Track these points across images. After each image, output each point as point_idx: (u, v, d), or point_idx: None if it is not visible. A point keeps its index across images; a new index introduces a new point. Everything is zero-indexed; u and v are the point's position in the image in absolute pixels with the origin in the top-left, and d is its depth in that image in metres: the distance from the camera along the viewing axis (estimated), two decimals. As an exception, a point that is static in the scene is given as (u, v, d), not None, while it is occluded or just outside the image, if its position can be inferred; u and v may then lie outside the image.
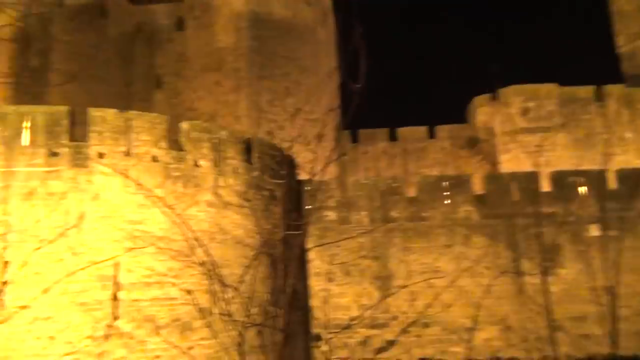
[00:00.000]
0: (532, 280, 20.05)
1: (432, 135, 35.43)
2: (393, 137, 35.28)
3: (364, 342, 20.23)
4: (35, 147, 14.23)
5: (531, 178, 21.39)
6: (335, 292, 20.25)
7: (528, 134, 31.65)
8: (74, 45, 28.91)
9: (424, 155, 34.54)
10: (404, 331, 19.37)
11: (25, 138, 14.21)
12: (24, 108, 14.88)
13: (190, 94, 31.27)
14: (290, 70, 31.04)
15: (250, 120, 28.13)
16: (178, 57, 32.23)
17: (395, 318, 20.24)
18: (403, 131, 35.31)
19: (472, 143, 34.49)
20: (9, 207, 13.76)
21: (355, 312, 19.98)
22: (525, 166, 27.55)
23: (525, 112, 32.14)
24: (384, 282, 20.62)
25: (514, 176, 22.17)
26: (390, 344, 20.63)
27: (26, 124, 14.29)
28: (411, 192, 22.33)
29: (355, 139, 35.13)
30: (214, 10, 31.26)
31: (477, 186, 22.13)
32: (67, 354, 13.46)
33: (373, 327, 20.30)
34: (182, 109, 31.14)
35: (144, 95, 31.74)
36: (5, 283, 13.19)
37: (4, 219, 13.51)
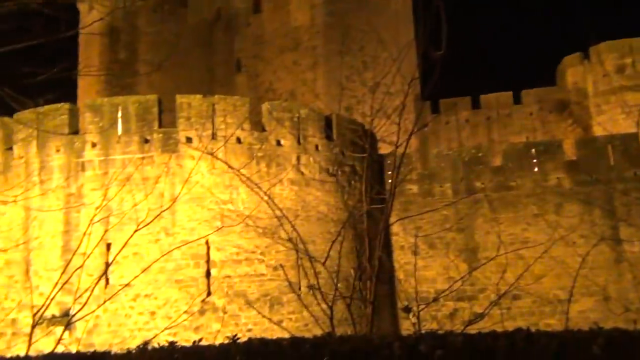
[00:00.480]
0: (632, 248, 18.89)
1: (517, 100, 33.78)
2: (476, 105, 34.01)
3: (452, 315, 20.02)
4: (129, 135, 15.13)
5: (630, 139, 19.98)
6: (420, 265, 20.11)
7: (626, 92, 29.50)
8: (157, 35, 30.16)
9: (510, 122, 33.10)
10: (494, 303, 18.95)
11: (120, 127, 15.14)
12: (117, 99, 15.81)
13: (269, 75, 31.76)
14: (367, 43, 30.64)
15: (329, 97, 28.20)
16: (256, 40, 32.77)
17: (483, 290, 19.82)
18: (486, 98, 33.92)
19: (562, 106, 32.63)
20: (108, 192, 14.78)
21: (440, 285, 19.76)
22: (622, 128, 25.77)
23: (621, 69, 29.91)
24: (471, 255, 20.21)
25: (610, 138, 20.77)
26: (479, 316, 20.25)
27: (119, 114, 15.21)
28: (497, 161, 21.55)
29: (436, 110, 34.28)
30: (289, -11, 31.41)
31: (569, 151, 21.01)
32: (167, 328, 14.38)
33: (460, 299, 20.02)
34: (262, 90, 31.77)
35: (225, 79, 32.63)
36: (109, 263, 14.24)
37: (104, 204, 14.52)
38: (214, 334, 14.44)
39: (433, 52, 5.04)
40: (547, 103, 33.16)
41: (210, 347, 3.21)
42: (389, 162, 18.96)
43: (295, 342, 2.86)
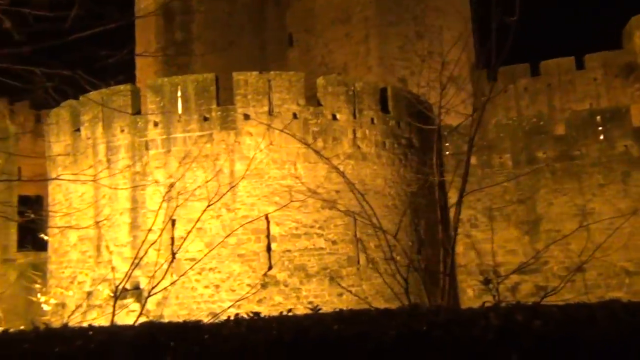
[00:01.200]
0: None
1: (580, 65, 32.25)
2: (535, 72, 32.74)
3: (514, 288, 19.70)
4: (189, 114, 15.49)
5: None
6: (480, 238, 19.81)
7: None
8: (210, 14, 30.46)
9: (572, 89, 31.73)
10: (556, 276, 18.51)
11: (180, 106, 15.51)
12: (176, 79, 16.16)
13: (322, 49, 31.58)
14: (419, 12, 29.92)
15: (382, 68, 27.82)
16: (307, 14, 32.57)
17: (546, 263, 19.38)
18: (546, 64, 32.54)
19: (629, 70, 30.96)
20: (171, 170, 15.26)
21: (501, 258, 19.43)
22: (696, 91, 24.26)
23: (694, 28, 28.06)
24: (532, 227, 19.74)
25: (681, 103, 19.64)
26: (542, 289, 19.86)
27: (179, 94, 15.56)
28: (559, 129, 20.79)
29: (493, 78, 33.17)
30: (340, -40, 30.91)
31: (637, 118, 20.02)
32: (231, 300, 14.84)
33: (522, 272, 19.66)
34: (314, 64, 31.65)
35: (278, 55, 32.69)
36: (174, 238, 14.77)
37: (167, 181, 15.01)
38: (277, 306, 14.80)
39: (505, 18, 4.88)
40: (612, 67, 31.54)
41: (307, 317, 3.30)
42: (445, 133, 18.62)
43: (387, 313, 2.90)
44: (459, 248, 19.75)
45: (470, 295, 20.27)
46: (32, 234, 19.16)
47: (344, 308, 4.17)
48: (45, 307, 14.73)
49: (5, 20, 5.53)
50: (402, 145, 17.76)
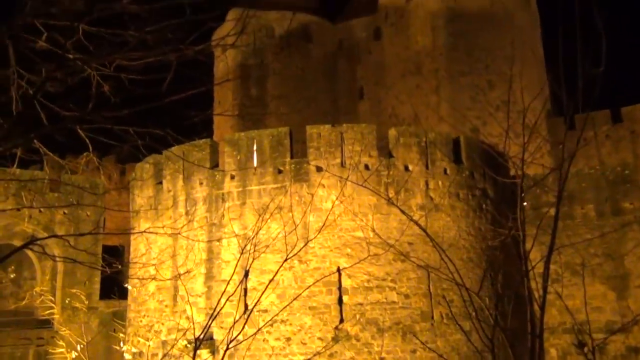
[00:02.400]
0: None
1: (665, 111, 30.66)
2: (616, 118, 31.38)
3: (601, 349, 18.35)
4: (264, 167, 15.93)
5: None
6: (562, 294, 18.71)
7: None
8: (284, 70, 31.65)
9: (658, 136, 30.12)
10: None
11: (255, 159, 16.00)
12: (252, 133, 16.74)
13: (392, 100, 31.89)
14: (491, 62, 29.76)
15: (453, 119, 27.63)
16: (377, 66, 33.19)
17: (637, 322, 17.98)
18: (628, 110, 31.14)
19: None
20: (246, 221, 15.62)
21: (584, 316, 18.24)
22: None
23: None
24: (620, 282, 18.49)
25: None
26: (633, 351, 18.38)
27: (255, 147, 16.09)
28: (646, 179, 19.65)
29: (570, 126, 32.05)
30: (409, 14, 31.49)
31: None
32: (302, 354, 14.68)
33: (609, 331, 18.33)
34: (384, 116, 31.96)
35: (349, 107, 33.32)
36: (247, 289, 14.93)
37: (242, 232, 15.34)
38: (348, 361, 14.50)
39: (591, 68, 4.76)
40: (701, 112, 29.77)
41: None
42: (522, 184, 17.99)
43: None
44: (534, 305, 18.74)
45: (554, 355, 19.06)
46: (114, 283, 20.00)
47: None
48: (126, 356, 15.13)
49: (104, 84, 5.98)
50: (476, 197, 17.35)
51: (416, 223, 7.51)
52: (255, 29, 30.76)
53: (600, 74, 4.83)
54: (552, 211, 19.98)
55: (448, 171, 16.73)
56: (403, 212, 7.52)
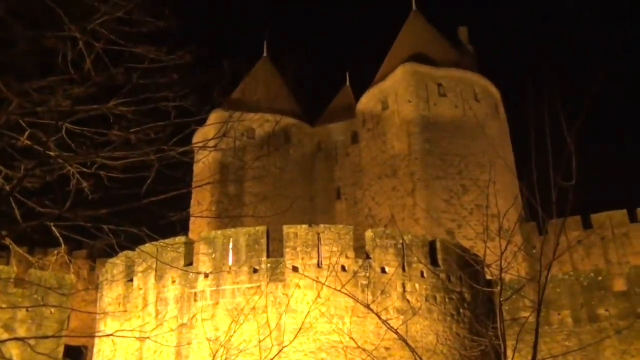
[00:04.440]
0: None
1: (633, 218, 31.58)
2: (587, 224, 32.12)
3: None
4: (239, 266, 15.69)
5: None
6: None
7: None
8: (263, 169, 32.18)
9: (628, 242, 30.73)
10: None
11: (230, 258, 15.79)
12: (229, 231, 16.66)
13: (368, 201, 32.36)
14: (464, 167, 30.77)
15: (429, 221, 28.00)
16: (354, 168, 34.00)
17: None
18: (598, 217, 31.98)
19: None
20: (218, 322, 15.10)
21: None
22: None
23: None
24: (601, 392, 18.02)
25: None
26: None
27: (231, 245, 15.94)
28: (618, 285, 19.80)
29: (542, 231, 32.67)
30: (385, 121, 32.81)
31: None
32: None
33: None
34: (361, 216, 32.25)
35: (326, 206, 33.66)
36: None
37: (214, 335, 14.78)
38: None
39: (563, 181, 4.96)
40: (669, 220, 30.71)
41: None
42: (497, 288, 17.97)
43: None
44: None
45: None
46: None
47: None
48: None
49: (83, 182, 5.98)
50: (453, 300, 17.20)
51: (394, 331, 7.39)
52: (237, 130, 31.61)
53: (571, 187, 5.03)
54: (531, 318, 19.77)
55: (425, 274, 16.69)
56: (381, 319, 7.39)
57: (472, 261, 13.80)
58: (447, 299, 17.05)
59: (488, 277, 18.19)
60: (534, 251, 30.80)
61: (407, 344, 6.98)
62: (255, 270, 15.60)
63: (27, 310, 20.04)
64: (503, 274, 9.58)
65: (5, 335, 16.70)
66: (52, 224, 6.12)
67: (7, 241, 6.38)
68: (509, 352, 6.58)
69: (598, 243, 30.88)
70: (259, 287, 15.17)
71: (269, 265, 15.63)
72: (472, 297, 17.79)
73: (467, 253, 17.98)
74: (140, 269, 17.00)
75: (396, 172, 31.11)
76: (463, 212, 29.55)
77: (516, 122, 34.49)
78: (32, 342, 7.62)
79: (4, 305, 18.81)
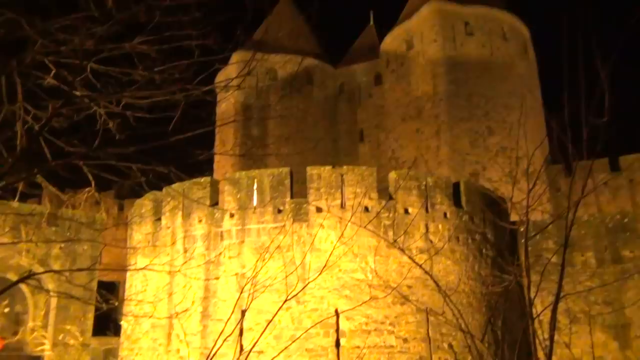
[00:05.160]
0: None
1: (663, 161, 30.87)
2: (615, 167, 31.56)
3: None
4: (264, 206, 15.93)
5: None
6: (562, 342, 18.45)
7: None
8: (286, 111, 32.08)
9: (656, 185, 30.26)
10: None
11: (255, 199, 16.02)
12: (253, 172, 16.82)
13: (392, 144, 32.20)
14: (490, 108, 30.21)
15: (453, 163, 27.84)
16: (378, 110, 33.66)
17: (639, 373, 17.66)
18: (626, 159, 31.37)
19: None
20: (244, 260, 15.52)
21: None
22: None
23: None
24: (621, 332, 18.24)
25: None
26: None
27: (255, 187, 16.14)
28: (645, 227, 19.62)
29: (568, 173, 32.29)
30: (410, 61, 32.12)
31: None
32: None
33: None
34: (384, 159, 32.19)
35: (349, 149, 33.62)
36: (243, 329, 14.69)
37: (240, 271, 15.23)
38: (344, 406, 14.15)
39: (595, 118, 4.85)
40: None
41: None
42: (521, 229, 18.01)
43: None
44: (540, 352, 18.44)
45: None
46: (108, 320, 19.70)
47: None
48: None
49: (110, 122, 6.06)
50: (476, 241, 17.31)
51: (419, 265, 7.49)
52: (259, 71, 31.32)
53: (603, 125, 4.92)
54: (554, 258, 20.01)
55: (448, 215, 16.74)
56: (408, 255, 7.50)
57: (497, 199, 13.78)
58: (470, 240, 17.16)
59: (512, 219, 18.22)
60: (559, 193, 30.58)
61: (432, 278, 7.09)
62: (279, 211, 15.84)
63: (60, 248, 20.86)
64: (529, 213, 9.56)
65: (41, 271, 17.44)
66: (81, 162, 6.25)
67: (40, 179, 6.55)
68: (533, 289, 6.64)
69: (625, 185, 30.47)
70: (283, 226, 15.43)
71: (292, 206, 15.83)
72: (495, 237, 17.88)
73: (491, 194, 17.95)
74: (167, 208, 17.39)
75: (420, 114, 30.72)
76: (488, 154, 29.26)
77: (546, 62, 33.48)
78: (68, 275, 7.98)
79: (39, 242, 19.57)
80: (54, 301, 20.40)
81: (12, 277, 18.64)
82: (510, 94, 29.84)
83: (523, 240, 18.57)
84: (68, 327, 18.12)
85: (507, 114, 29.82)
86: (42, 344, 16.96)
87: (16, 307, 23.06)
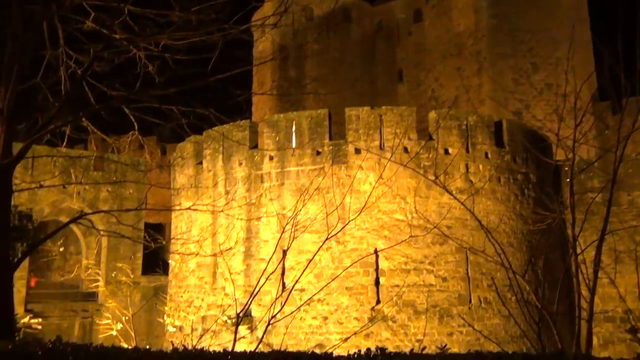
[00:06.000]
0: None
1: None
2: (667, 103, 30.01)
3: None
4: (302, 149, 16.00)
5: None
6: (605, 282, 18.30)
7: None
8: (323, 52, 31.55)
9: None
10: None
11: (294, 141, 16.08)
12: (291, 115, 16.80)
13: (432, 83, 31.45)
14: (535, 44, 28.95)
15: (495, 102, 27.08)
16: (417, 49, 32.72)
17: (684, 313, 17.44)
18: (680, 95, 29.79)
19: None
20: (284, 202, 15.77)
21: (631, 304, 17.76)
22: None
23: None
24: (667, 271, 17.93)
25: None
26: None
27: (294, 129, 16.16)
28: (697, 166, 18.84)
29: (616, 110, 31.06)
30: (451, -4, 30.86)
31: None
32: (339, 333, 14.83)
33: (655, 322, 17.85)
34: (424, 98, 31.55)
35: (387, 89, 33.02)
36: (284, 268, 15.12)
37: (281, 212, 15.50)
38: (384, 342, 14.56)
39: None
40: None
41: (444, 357, 3.25)
42: (565, 169, 17.62)
43: (529, 357, 2.77)
44: (583, 291, 18.33)
45: (595, 343, 18.71)
46: (156, 259, 20.55)
47: (456, 350, 4.01)
48: (170, 329, 15.59)
49: (150, 64, 6.10)
50: (518, 181, 17.04)
51: (462, 203, 7.46)
52: (295, 10, 30.70)
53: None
54: (599, 198, 19.48)
55: (489, 155, 16.46)
56: (449, 192, 7.46)
57: (541, 136, 13.40)
58: (511, 180, 16.91)
59: (558, 157, 17.75)
60: (607, 132, 29.51)
61: (474, 216, 7.05)
62: (318, 153, 15.88)
63: (107, 191, 21.61)
64: (575, 149, 9.27)
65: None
66: (124, 105, 6.35)
67: (85, 122, 6.72)
68: (577, 227, 6.53)
69: (678, 123, 29.06)
70: (322, 168, 15.50)
71: (331, 147, 15.82)
72: (537, 177, 17.55)
73: (535, 133, 17.48)
74: (208, 151, 17.67)
75: (461, 51, 29.73)
76: (532, 92, 28.28)
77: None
78: (118, 216, 8.30)
79: (87, 187, 20.30)
80: (104, 242, 21.37)
81: (64, 219, 19.52)
82: (557, 28, 28.46)
83: (567, 180, 18.22)
84: (120, 264, 19.04)
85: (553, 49, 28.55)
86: (97, 280, 17.90)
87: (70, 248, 24.28)
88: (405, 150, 15.55)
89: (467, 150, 16.11)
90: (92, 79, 6.52)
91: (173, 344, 5.29)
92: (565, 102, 8.27)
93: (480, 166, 16.19)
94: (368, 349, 3.67)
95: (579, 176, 16.98)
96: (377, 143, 15.59)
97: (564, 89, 8.70)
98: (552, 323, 4.94)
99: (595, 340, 18.75)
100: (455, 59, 30.07)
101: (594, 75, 25.08)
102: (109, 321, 12.64)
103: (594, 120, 26.49)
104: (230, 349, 5.22)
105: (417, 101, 31.03)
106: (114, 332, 12.08)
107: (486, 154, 16.37)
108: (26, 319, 13.53)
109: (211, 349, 5.03)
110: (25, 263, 17.62)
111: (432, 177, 15.49)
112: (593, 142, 25.93)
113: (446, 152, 15.90)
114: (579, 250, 6.49)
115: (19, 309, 16.34)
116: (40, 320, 14.21)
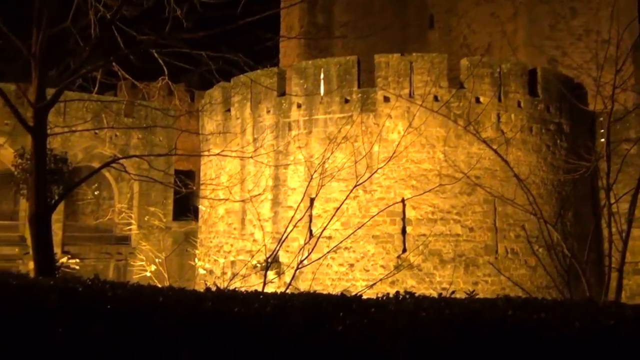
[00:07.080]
0: None
1: None
2: None
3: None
4: (331, 96, 15.84)
5: None
6: (635, 235, 18.04)
7: None
8: (352, -3, 30.71)
9: None
10: None
11: (322, 88, 15.92)
12: (320, 61, 16.56)
13: (464, 29, 30.45)
14: (575, -13, 27.60)
15: (530, 49, 26.17)
16: (450, -7, 31.55)
17: None
18: None
19: None
20: (312, 150, 15.77)
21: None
22: None
23: None
24: (700, 225, 17.58)
25: None
26: None
27: (322, 76, 15.96)
28: None
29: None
30: (486, -64, 29.41)
31: None
32: (365, 280, 15.08)
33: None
34: (455, 45, 30.62)
35: (418, 36, 32.11)
36: (312, 216, 15.27)
37: (308, 160, 15.54)
38: (409, 289, 14.77)
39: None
40: None
41: (473, 300, 3.29)
42: (600, 119, 17.14)
43: (560, 303, 2.78)
44: (614, 237, 18.14)
45: (622, 296, 18.68)
46: (187, 204, 20.98)
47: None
48: (200, 271, 16.06)
49: (178, 8, 6.03)
50: (550, 131, 16.67)
51: (495, 150, 7.36)
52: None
53: None
54: (633, 150, 18.93)
55: (522, 104, 16.08)
56: (482, 139, 7.34)
57: (577, 85, 13.00)
58: (543, 130, 16.54)
59: (593, 108, 17.25)
60: (646, 81, 28.38)
61: (507, 164, 6.96)
62: (346, 101, 15.71)
63: (138, 138, 21.92)
64: (610, 102, 9.01)
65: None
66: (153, 50, 6.33)
67: (116, 67, 6.74)
68: (612, 176, 6.42)
69: None
70: (350, 116, 15.38)
71: (360, 95, 15.63)
72: (570, 128, 17.13)
73: (571, 82, 16.94)
74: (236, 99, 17.66)
75: (496, -5, 28.55)
76: (570, 39, 27.17)
77: None
78: (149, 161, 8.46)
79: (117, 133, 20.61)
80: (136, 187, 21.84)
81: (97, 165, 19.96)
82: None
83: (602, 130, 17.81)
84: (152, 208, 19.50)
85: (594, -8, 27.20)
86: (130, 224, 18.42)
87: (103, 193, 24.91)
88: (436, 98, 15.28)
89: (499, 99, 15.75)
90: (121, 24, 6.50)
91: (206, 284, 5.47)
92: (607, 48, 7.94)
93: (512, 116, 15.85)
94: (397, 292, 3.73)
95: (615, 126, 16.49)
96: (406, 91, 15.34)
97: (604, 35, 8.34)
98: (581, 272, 4.92)
99: (622, 293, 18.71)
100: (489, 4, 28.95)
101: (636, 22, 23.91)
102: (142, 263, 13.06)
103: (633, 69, 25.46)
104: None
105: (449, 48, 30.12)
106: (148, 273, 12.51)
107: (519, 103, 15.99)
108: (64, 259, 14.08)
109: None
110: (61, 206, 18.17)
111: (463, 126, 15.26)
112: (631, 92, 25.03)
113: (477, 100, 15.57)
114: (612, 201, 6.37)
115: (56, 249, 16.99)
116: (77, 260, 14.78)
